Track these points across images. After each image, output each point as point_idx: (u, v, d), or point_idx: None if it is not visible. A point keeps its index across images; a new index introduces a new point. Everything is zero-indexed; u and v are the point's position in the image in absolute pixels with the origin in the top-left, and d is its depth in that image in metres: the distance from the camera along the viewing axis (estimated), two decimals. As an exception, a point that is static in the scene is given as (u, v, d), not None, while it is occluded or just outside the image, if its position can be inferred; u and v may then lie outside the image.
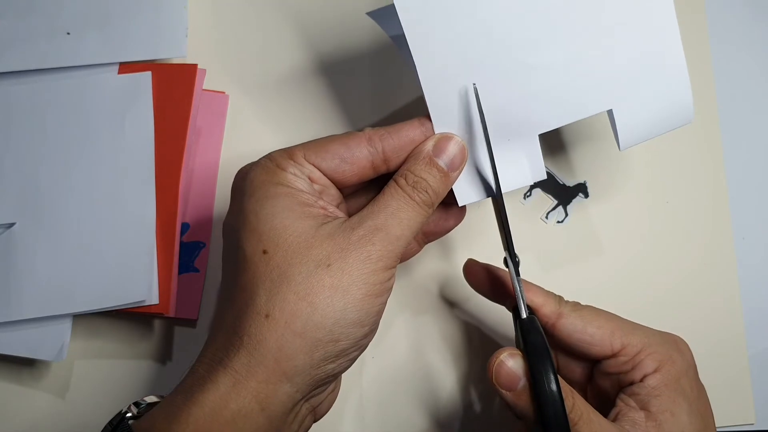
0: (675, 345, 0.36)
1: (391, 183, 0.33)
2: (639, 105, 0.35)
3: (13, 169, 0.42)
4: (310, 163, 0.33)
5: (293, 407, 0.31)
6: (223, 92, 0.46)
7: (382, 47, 0.47)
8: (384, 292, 0.32)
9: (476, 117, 0.34)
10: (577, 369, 0.37)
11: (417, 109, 0.46)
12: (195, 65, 0.44)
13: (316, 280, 0.30)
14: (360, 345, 0.32)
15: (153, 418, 0.30)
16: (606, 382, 0.36)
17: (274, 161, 0.33)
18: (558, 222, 0.45)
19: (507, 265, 0.34)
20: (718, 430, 0.43)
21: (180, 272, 0.43)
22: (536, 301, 0.35)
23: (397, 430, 0.42)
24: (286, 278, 0.30)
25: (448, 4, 0.32)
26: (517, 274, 0.33)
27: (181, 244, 0.43)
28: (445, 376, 0.43)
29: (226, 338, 0.30)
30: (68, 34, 0.45)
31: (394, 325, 0.43)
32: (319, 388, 0.32)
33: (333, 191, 0.34)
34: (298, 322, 0.30)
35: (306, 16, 0.48)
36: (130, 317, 0.43)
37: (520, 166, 0.35)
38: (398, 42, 0.36)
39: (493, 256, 0.38)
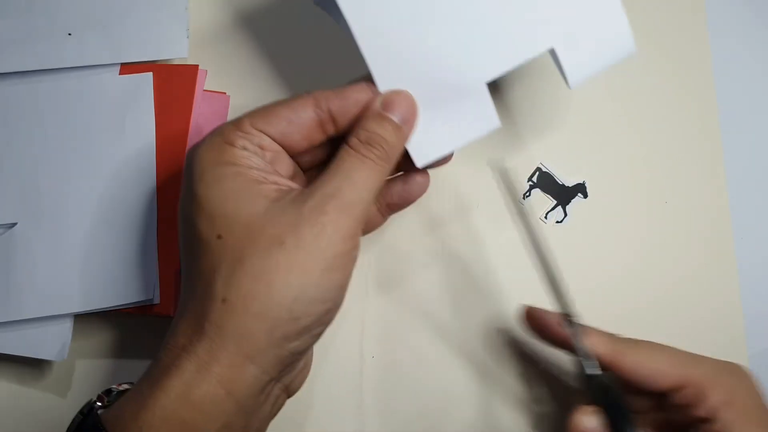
0: (739, 374, 0.35)
1: (343, 145, 0.33)
2: (579, 40, 0.35)
3: (14, 169, 0.42)
4: (258, 130, 0.32)
5: (263, 389, 0.31)
6: (224, 93, 0.46)
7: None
8: (345, 265, 0.31)
9: (421, 75, 0.33)
10: (643, 402, 0.36)
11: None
12: (196, 66, 0.44)
13: (271, 259, 0.29)
14: (323, 321, 0.31)
15: (121, 407, 0.30)
16: (676, 415, 0.35)
17: (221, 135, 0.32)
18: (557, 222, 0.45)
19: (566, 324, 0.34)
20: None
21: (180, 272, 0.43)
22: (596, 345, 0.34)
23: (397, 430, 0.42)
24: (240, 261, 0.30)
25: None
26: (576, 329, 0.34)
27: (182, 244, 0.43)
28: (445, 375, 0.43)
29: (188, 325, 0.30)
30: (69, 34, 0.45)
31: (394, 325, 0.43)
32: (288, 367, 0.32)
33: (285, 159, 0.34)
34: (255, 304, 0.29)
35: (306, 16, 0.48)
36: (130, 317, 0.43)
37: (473, 118, 0.35)
38: (324, 5, 0.35)
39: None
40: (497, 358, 0.43)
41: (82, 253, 0.41)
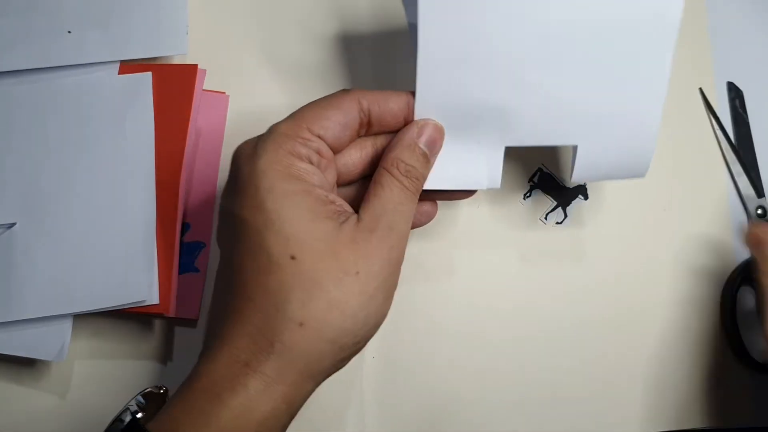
0: None
1: (385, 174, 0.33)
2: (603, 149, 0.36)
3: (14, 169, 0.42)
4: (315, 135, 0.33)
5: (308, 397, 0.32)
6: (224, 92, 0.46)
7: (385, 47, 0.47)
8: (395, 292, 0.33)
9: (456, 114, 0.35)
10: None
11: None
12: (195, 65, 0.44)
13: (347, 287, 0.31)
14: (369, 340, 0.33)
15: (173, 420, 0.30)
16: None
17: (284, 145, 0.32)
18: (557, 223, 0.45)
19: None
20: (719, 429, 0.44)
21: (180, 272, 0.43)
22: None
23: (397, 430, 0.42)
24: (317, 286, 0.30)
25: (464, 4, 0.33)
26: None
27: (182, 244, 0.43)
28: (445, 375, 0.43)
29: (252, 341, 0.30)
30: (69, 32, 0.45)
31: (394, 325, 0.43)
32: None
33: (334, 166, 0.34)
34: (330, 330, 0.30)
35: (307, 16, 0.48)
36: (130, 317, 0.43)
37: (479, 170, 0.36)
38: (412, 30, 0.36)
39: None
40: (497, 359, 0.43)
41: (81, 253, 0.41)
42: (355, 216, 0.33)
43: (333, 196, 0.33)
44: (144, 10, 0.45)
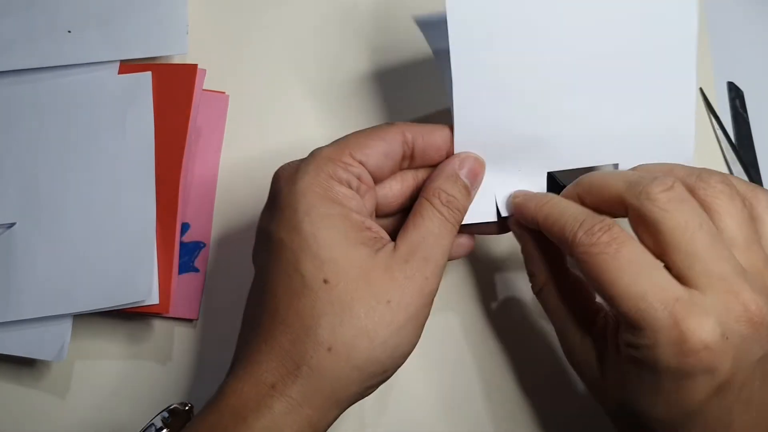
0: None
1: (426, 204, 0.34)
2: (643, 163, 0.36)
3: (13, 169, 0.42)
4: (357, 161, 0.33)
5: (332, 424, 0.32)
6: (223, 92, 0.46)
7: (384, 46, 0.48)
8: (425, 322, 0.33)
9: (494, 144, 0.35)
10: None
11: (408, 109, 0.47)
12: (195, 65, 0.44)
13: (378, 316, 0.31)
14: (397, 369, 0.33)
15: None
16: None
17: (325, 168, 0.32)
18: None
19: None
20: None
21: (180, 272, 0.43)
22: None
23: (397, 429, 0.42)
24: (349, 312, 0.30)
25: (496, 29, 0.34)
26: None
27: (181, 244, 0.43)
28: (446, 374, 0.43)
29: (280, 363, 0.30)
30: (69, 32, 0.45)
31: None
32: None
33: (373, 193, 0.35)
34: (358, 357, 0.30)
35: (306, 16, 0.48)
36: (130, 317, 0.43)
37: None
38: (439, 56, 0.37)
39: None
40: (498, 360, 0.43)
41: (81, 253, 0.41)
42: (391, 244, 0.33)
43: (370, 222, 0.33)
44: (144, 9, 0.45)
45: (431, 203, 0.33)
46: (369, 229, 0.33)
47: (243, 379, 0.31)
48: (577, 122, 0.35)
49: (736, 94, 0.48)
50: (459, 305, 0.44)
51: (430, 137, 0.34)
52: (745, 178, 0.46)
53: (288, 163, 0.34)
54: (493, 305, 0.44)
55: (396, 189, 0.36)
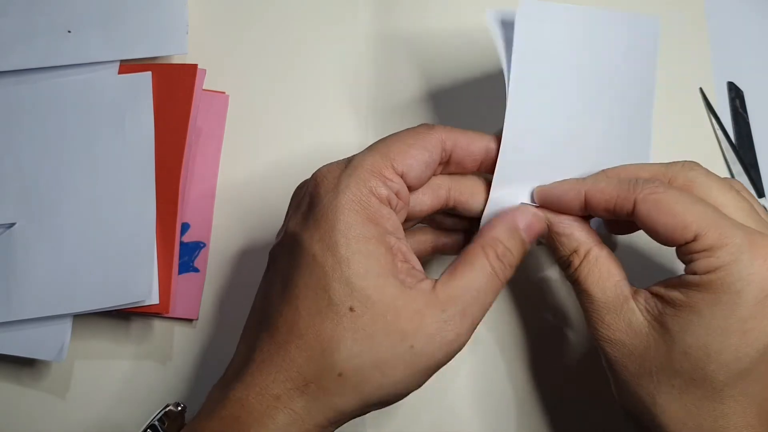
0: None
1: (479, 253, 0.32)
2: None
3: (14, 169, 0.42)
4: (398, 175, 0.32)
5: None
6: (224, 92, 0.46)
7: (383, 46, 0.47)
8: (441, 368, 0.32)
9: (531, 167, 0.35)
10: None
11: (422, 108, 0.46)
12: (195, 65, 0.44)
13: (397, 355, 0.30)
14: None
15: None
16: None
17: (368, 183, 0.32)
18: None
19: None
20: None
21: (180, 272, 0.43)
22: None
23: (397, 429, 0.42)
24: (369, 345, 0.30)
25: (554, 49, 0.35)
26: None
27: (181, 244, 0.43)
28: (445, 373, 0.43)
29: (290, 377, 0.30)
30: (69, 32, 0.45)
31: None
32: None
33: (407, 208, 0.34)
34: (367, 389, 0.30)
35: (306, 16, 0.48)
36: (130, 317, 0.43)
37: None
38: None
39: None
40: (498, 359, 0.43)
41: (81, 253, 0.41)
42: (428, 282, 0.32)
43: (405, 249, 0.32)
44: (144, 10, 0.45)
45: (486, 254, 0.32)
46: (406, 261, 0.32)
47: (249, 387, 0.30)
48: (586, 157, 0.36)
49: (736, 94, 0.48)
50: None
51: (469, 146, 0.34)
52: (746, 178, 0.46)
53: (330, 167, 0.33)
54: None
55: (427, 203, 0.35)
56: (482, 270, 0.32)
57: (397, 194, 0.32)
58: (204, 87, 0.45)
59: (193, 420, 0.32)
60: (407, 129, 0.34)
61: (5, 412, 0.42)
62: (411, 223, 0.36)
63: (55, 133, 0.43)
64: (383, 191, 0.32)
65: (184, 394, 0.42)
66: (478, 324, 0.32)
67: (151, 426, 0.36)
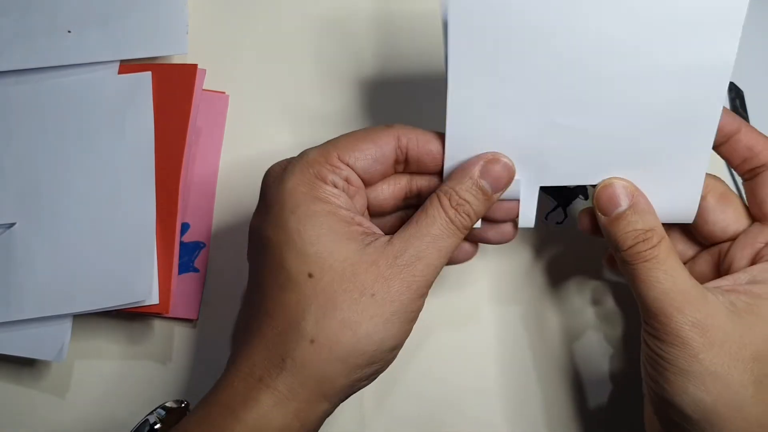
0: None
1: (434, 202, 0.33)
2: (643, 190, 0.35)
3: (13, 169, 0.42)
4: (344, 164, 0.33)
5: (326, 417, 0.32)
6: (223, 92, 0.46)
7: (383, 45, 0.47)
8: (417, 317, 0.33)
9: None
10: None
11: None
12: (195, 65, 0.44)
13: (362, 308, 0.31)
14: (389, 362, 0.33)
15: None
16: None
17: (311, 168, 0.32)
18: (557, 223, 0.45)
19: None
20: None
21: (180, 272, 0.43)
22: None
23: (397, 429, 0.42)
24: (332, 305, 0.31)
25: (499, 36, 0.32)
26: None
27: (181, 244, 0.43)
28: (445, 373, 0.43)
29: (267, 356, 0.31)
30: (69, 32, 0.45)
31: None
32: None
33: (363, 193, 0.34)
34: (341, 349, 0.30)
35: (307, 16, 0.48)
36: (130, 317, 0.43)
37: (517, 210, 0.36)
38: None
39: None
40: (499, 359, 0.43)
41: (81, 253, 0.41)
42: (385, 238, 0.32)
43: (360, 218, 0.33)
44: (144, 10, 0.45)
45: (440, 202, 0.33)
46: (359, 224, 0.32)
47: (233, 373, 0.31)
48: (573, 139, 0.34)
49: (736, 94, 0.48)
50: (454, 300, 0.44)
51: (426, 145, 0.34)
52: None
53: (277, 163, 0.34)
54: (489, 302, 0.44)
55: (387, 192, 0.35)
56: (436, 217, 0.32)
57: (346, 180, 0.33)
58: (204, 87, 0.45)
59: (190, 412, 0.33)
60: (365, 128, 0.35)
61: (5, 412, 0.42)
62: (382, 219, 0.37)
63: (56, 133, 0.43)
64: (328, 175, 0.32)
65: (184, 394, 0.42)
66: (437, 268, 0.32)
67: (146, 420, 0.36)
